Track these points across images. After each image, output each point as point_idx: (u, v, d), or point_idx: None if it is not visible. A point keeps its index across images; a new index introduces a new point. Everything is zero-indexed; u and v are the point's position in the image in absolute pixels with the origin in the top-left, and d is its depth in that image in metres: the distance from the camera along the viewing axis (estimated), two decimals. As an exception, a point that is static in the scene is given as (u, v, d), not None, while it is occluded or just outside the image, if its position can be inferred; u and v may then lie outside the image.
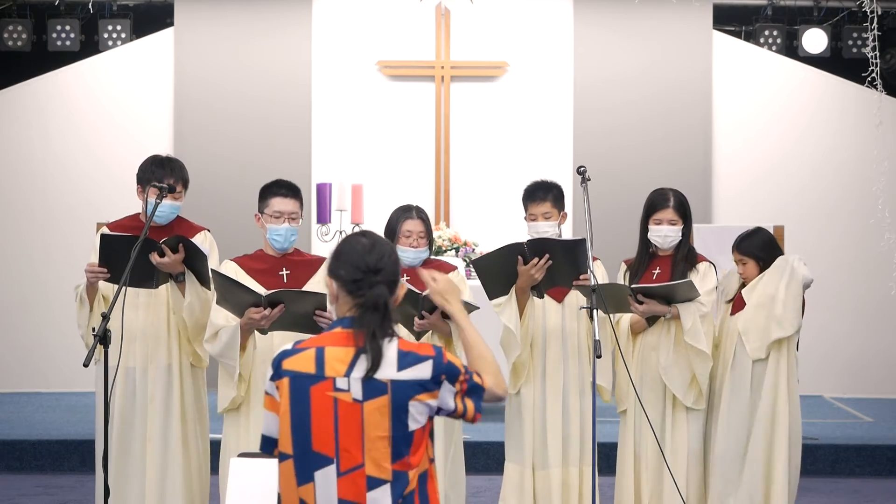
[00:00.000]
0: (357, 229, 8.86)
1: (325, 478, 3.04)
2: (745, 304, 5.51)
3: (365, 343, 3.04)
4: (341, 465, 3.03)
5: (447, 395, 3.09)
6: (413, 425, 3.05)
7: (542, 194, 5.46)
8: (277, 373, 3.10)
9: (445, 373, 3.08)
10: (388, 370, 3.04)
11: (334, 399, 3.03)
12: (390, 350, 3.06)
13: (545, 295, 5.38)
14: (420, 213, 5.33)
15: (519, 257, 5.19)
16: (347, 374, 3.04)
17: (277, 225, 5.09)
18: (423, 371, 3.06)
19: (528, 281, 5.22)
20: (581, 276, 5.18)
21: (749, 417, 5.46)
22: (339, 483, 3.03)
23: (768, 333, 5.45)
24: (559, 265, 5.18)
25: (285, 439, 3.08)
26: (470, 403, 3.13)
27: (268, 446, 3.17)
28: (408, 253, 5.26)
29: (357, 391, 3.03)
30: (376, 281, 3.08)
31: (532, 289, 5.29)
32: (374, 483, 3.03)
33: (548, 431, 5.46)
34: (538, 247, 5.18)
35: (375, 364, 3.02)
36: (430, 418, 3.13)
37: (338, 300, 3.14)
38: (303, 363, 3.07)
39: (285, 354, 3.11)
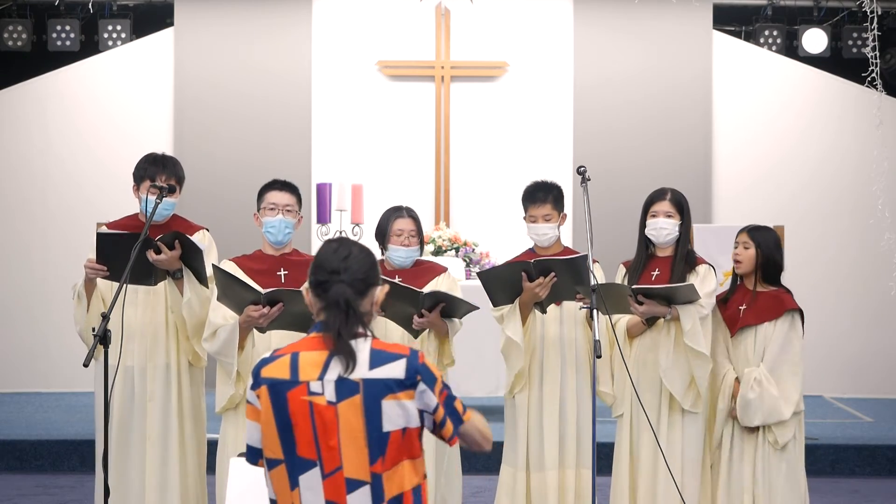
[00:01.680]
0: (357, 230, 8.94)
1: (310, 481, 3.02)
2: (739, 317, 5.40)
3: (334, 345, 3.01)
4: (325, 468, 3.01)
5: (426, 397, 3.04)
6: (388, 426, 3.01)
7: (542, 196, 5.45)
8: (256, 381, 3.08)
9: (421, 373, 3.04)
10: (361, 370, 3.01)
11: (310, 403, 3.01)
12: (363, 350, 3.04)
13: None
14: (410, 213, 5.32)
15: (524, 273, 5.23)
16: (321, 378, 3.01)
17: (272, 217, 5.07)
18: (395, 370, 3.02)
19: (532, 298, 5.27)
20: (577, 296, 5.25)
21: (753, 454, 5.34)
22: (325, 485, 3.01)
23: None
24: (562, 280, 5.22)
25: (274, 445, 3.05)
26: (449, 422, 3.08)
27: (252, 456, 3.14)
28: (399, 252, 5.25)
29: (331, 393, 3.01)
30: (339, 280, 3.05)
31: (535, 304, 5.33)
32: (353, 485, 3.01)
33: (544, 433, 5.45)
34: (543, 266, 5.22)
35: (351, 365, 3.00)
36: (418, 431, 3.06)
37: (314, 308, 3.12)
38: (278, 370, 3.05)
39: (263, 363, 3.09)
